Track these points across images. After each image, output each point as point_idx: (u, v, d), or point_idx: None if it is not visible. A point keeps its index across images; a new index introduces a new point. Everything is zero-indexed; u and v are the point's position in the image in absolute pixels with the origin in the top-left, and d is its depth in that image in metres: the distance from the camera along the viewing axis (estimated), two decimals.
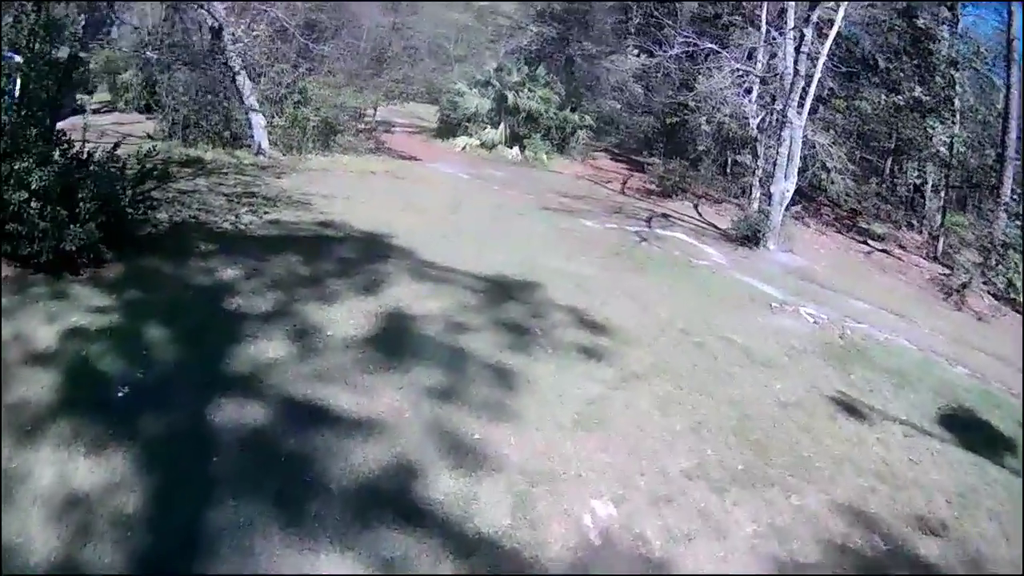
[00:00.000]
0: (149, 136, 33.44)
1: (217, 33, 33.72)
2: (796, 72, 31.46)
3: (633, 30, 51.14)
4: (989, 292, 30.97)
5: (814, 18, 31.80)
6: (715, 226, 35.31)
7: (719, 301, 22.91)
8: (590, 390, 15.24)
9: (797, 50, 31.82)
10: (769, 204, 32.72)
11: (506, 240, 25.40)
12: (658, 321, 19.69)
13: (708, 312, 21.42)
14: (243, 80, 34.06)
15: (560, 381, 15.29)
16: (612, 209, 36.27)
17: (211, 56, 34.51)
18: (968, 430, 16.60)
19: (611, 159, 52.52)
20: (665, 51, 39.51)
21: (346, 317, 16.41)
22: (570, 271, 22.94)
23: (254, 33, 35.28)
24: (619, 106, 54.63)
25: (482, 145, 48.97)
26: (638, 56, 48.53)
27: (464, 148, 48.73)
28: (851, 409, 16.59)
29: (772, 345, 19.62)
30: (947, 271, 33.34)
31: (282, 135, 36.29)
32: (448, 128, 51.14)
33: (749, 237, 32.17)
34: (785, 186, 32.27)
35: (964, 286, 30.69)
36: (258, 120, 34.50)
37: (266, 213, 23.20)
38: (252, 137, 34.55)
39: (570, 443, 13.39)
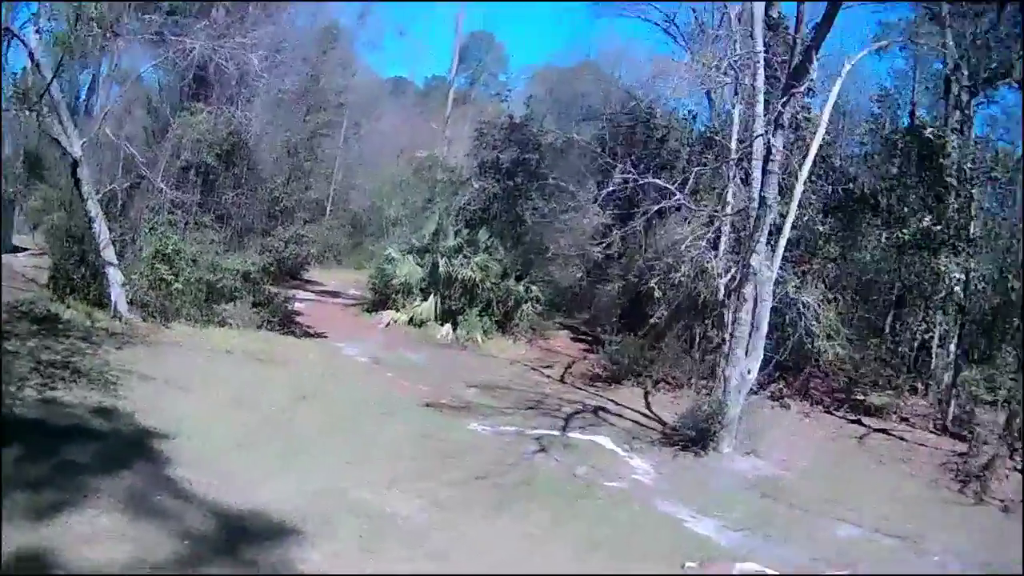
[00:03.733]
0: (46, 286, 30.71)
1: (74, 169, 29.14)
2: (762, 202, 24.36)
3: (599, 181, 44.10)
4: (1016, 468, 24.34)
5: (784, 119, 24.36)
6: (662, 421, 28.33)
7: (606, 559, 15.60)
8: None
9: (765, 170, 24.69)
10: (725, 391, 25.33)
11: (328, 453, 19.79)
12: None
13: None
14: (99, 227, 29.44)
15: None
16: (527, 404, 29.74)
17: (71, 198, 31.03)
18: None
19: (572, 338, 46.30)
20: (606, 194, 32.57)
21: None
22: (377, 509, 16.48)
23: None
24: (579, 274, 47.97)
25: (410, 321, 43.23)
26: (599, 214, 41.86)
27: (388, 324, 43.21)
28: None
29: None
30: (961, 450, 26.54)
31: (146, 295, 31.16)
32: (380, 300, 45.95)
33: (695, 439, 25.14)
34: (746, 365, 24.99)
35: (986, 468, 23.97)
36: (115, 276, 29.63)
37: (52, 390, 19.92)
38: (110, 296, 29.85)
39: None
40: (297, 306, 40.38)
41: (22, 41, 27.08)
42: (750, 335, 24.72)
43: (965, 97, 33.79)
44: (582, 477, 21.26)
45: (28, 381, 19.81)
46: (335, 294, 50.47)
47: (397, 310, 43.35)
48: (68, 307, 28.52)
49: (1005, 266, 32.43)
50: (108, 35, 29.03)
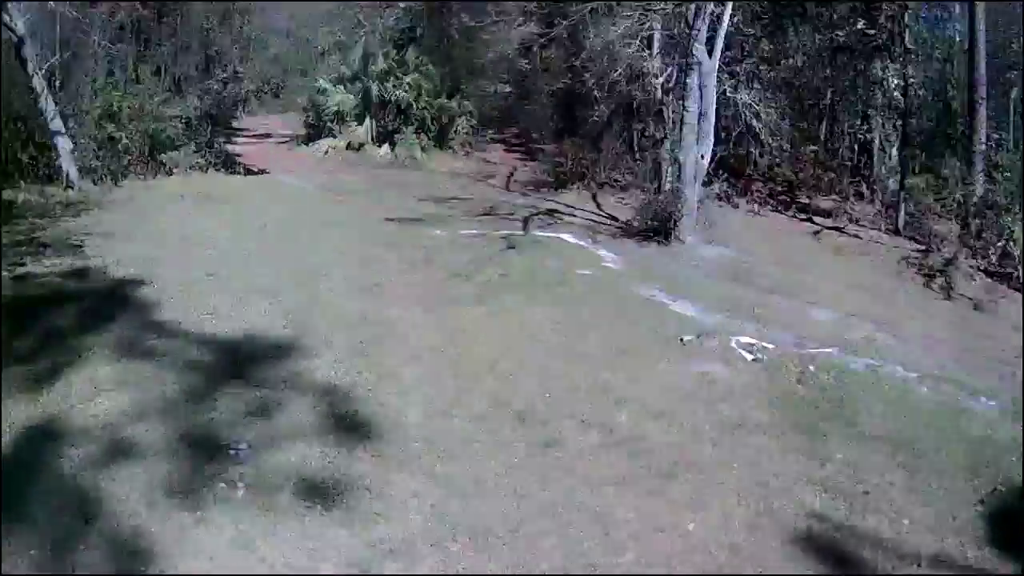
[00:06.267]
0: None
1: (19, 48, 28.52)
2: None
3: None
4: (978, 268, 24.63)
5: None
6: (615, 219, 28.62)
7: (601, 338, 15.77)
8: None
9: None
10: (680, 179, 25.66)
11: (296, 272, 19.66)
12: (477, 397, 13.14)
13: (574, 363, 14.50)
14: (45, 102, 29.07)
15: None
16: (481, 211, 29.97)
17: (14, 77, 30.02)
18: None
19: (505, 150, 46.08)
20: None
21: None
22: (365, 315, 16.44)
23: None
24: (507, 87, 47.66)
25: (348, 147, 42.99)
26: (522, 24, 41.44)
27: (327, 152, 42.93)
28: (841, 559, 9.83)
29: (684, 418, 12.83)
30: (919, 247, 27.06)
31: (93, 159, 30.86)
32: (315, 133, 45.18)
33: (657, 228, 25.36)
34: (699, 151, 25.15)
35: (949, 263, 24.61)
36: (64, 146, 29.33)
37: (21, 266, 19.58)
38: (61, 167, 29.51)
39: None
40: (234, 149, 40.14)
41: None
42: (699, 123, 24.82)
43: None
44: (555, 269, 21.25)
45: None
46: (267, 135, 49.01)
47: (334, 137, 43.19)
48: (20, 190, 28.15)
49: (944, 76, 32.91)
50: None
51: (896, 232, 29.26)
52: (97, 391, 12.80)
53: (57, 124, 29.14)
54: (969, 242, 25.52)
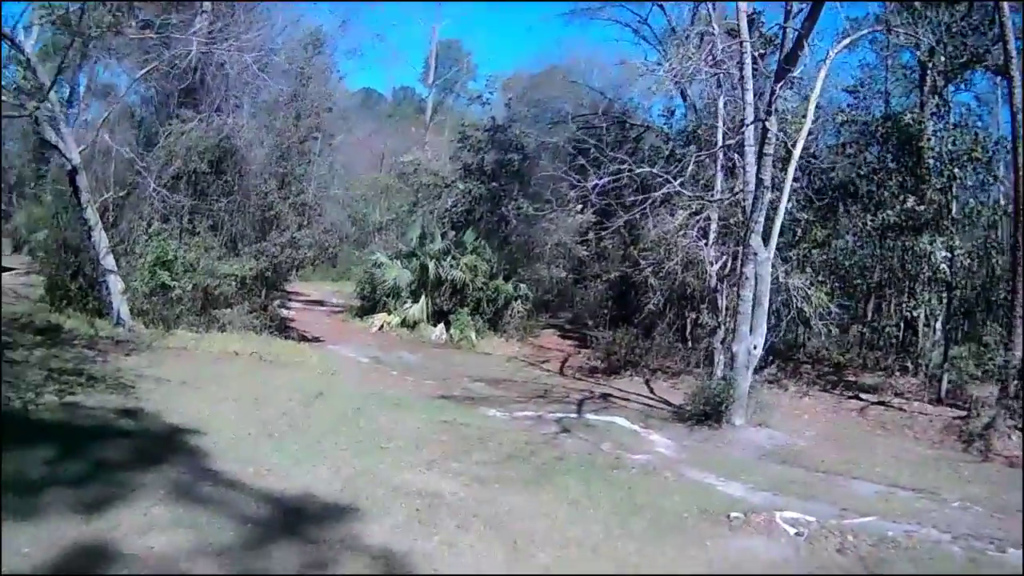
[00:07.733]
0: (41, 299, 30.82)
1: (72, 176, 28.66)
2: (759, 183, 24.68)
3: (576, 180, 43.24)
4: (1017, 427, 25.24)
5: (776, 104, 25.11)
6: (668, 403, 29.10)
7: (649, 520, 15.52)
8: None
9: (761, 153, 24.97)
10: (733, 368, 25.73)
11: (353, 441, 19.43)
12: (528, 569, 12.79)
13: (624, 541, 14.28)
14: (98, 236, 29.12)
15: None
16: (535, 393, 30.53)
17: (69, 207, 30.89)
18: None
19: (559, 336, 46.96)
20: (599, 184, 31.20)
21: None
22: (421, 488, 16.11)
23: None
24: (564, 273, 48.02)
25: (402, 324, 43.75)
26: (582, 211, 41.88)
27: (382, 327, 43.81)
28: None
29: None
30: (961, 413, 27.87)
31: (144, 303, 31.03)
32: (369, 306, 46.38)
33: (708, 413, 25.55)
34: (752, 341, 25.26)
35: (988, 427, 25.38)
36: (115, 284, 29.30)
37: (71, 395, 19.34)
38: (111, 305, 29.46)
39: None
40: (286, 314, 40.53)
41: (14, 44, 26.58)
42: (753, 312, 25.05)
43: (941, 83, 34.51)
44: (609, 452, 21.45)
45: (45, 388, 19.49)
46: (319, 303, 50.91)
47: (388, 313, 43.81)
48: (68, 318, 28.19)
49: (989, 243, 33.15)
50: (111, 32, 28.60)
51: (939, 402, 30.08)
52: (151, 526, 12.47)
53: (109, 261, 29.16)
54: (1007, 403, 25.92)
